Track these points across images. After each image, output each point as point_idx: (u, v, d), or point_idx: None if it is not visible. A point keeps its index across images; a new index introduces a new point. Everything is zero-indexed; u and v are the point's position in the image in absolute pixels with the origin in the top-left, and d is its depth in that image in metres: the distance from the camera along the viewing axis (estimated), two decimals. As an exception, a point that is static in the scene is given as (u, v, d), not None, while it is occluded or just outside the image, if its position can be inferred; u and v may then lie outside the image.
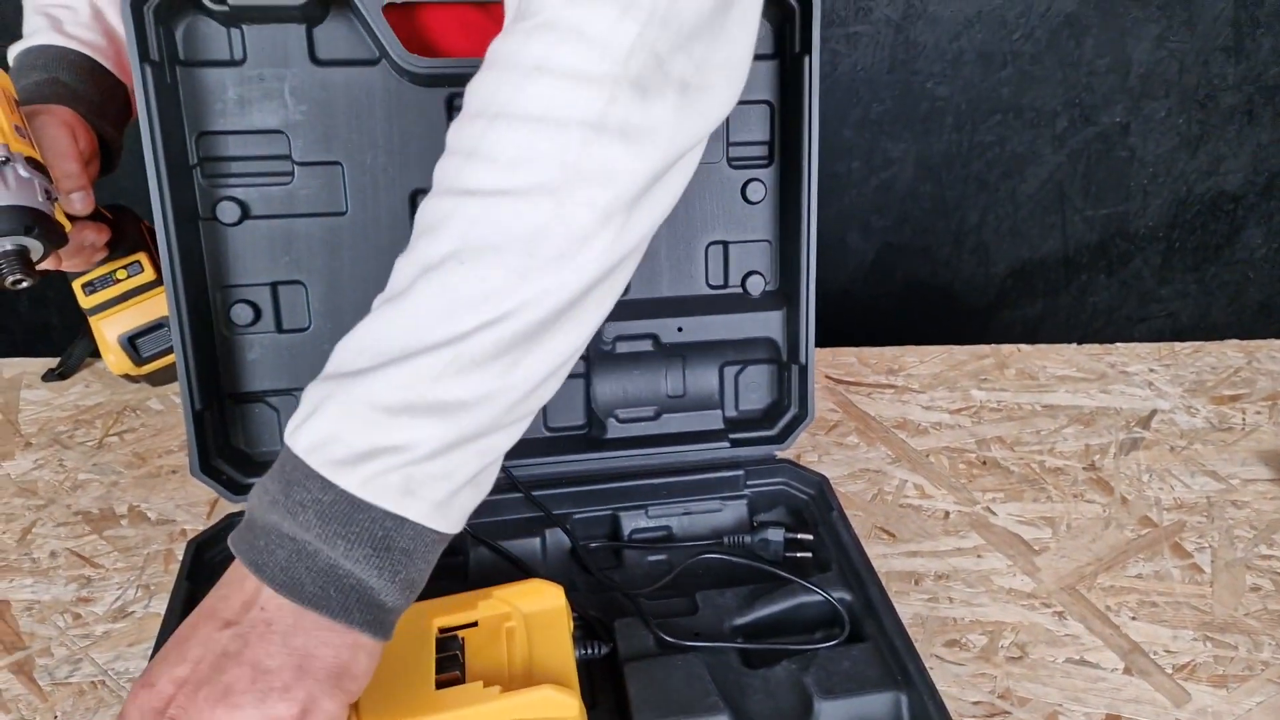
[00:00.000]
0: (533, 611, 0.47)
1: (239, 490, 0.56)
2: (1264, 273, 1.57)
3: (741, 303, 0.62)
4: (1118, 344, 0.86)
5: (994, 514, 0.65)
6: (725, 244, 0.62)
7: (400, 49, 0.52)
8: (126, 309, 0.67)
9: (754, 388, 0.64)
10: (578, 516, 0.58)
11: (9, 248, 0.49)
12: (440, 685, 0.42)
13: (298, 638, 0.34)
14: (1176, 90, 1.35)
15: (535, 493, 0.58)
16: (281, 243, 0.57)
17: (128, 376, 0.72)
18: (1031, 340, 0.87)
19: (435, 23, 0.56)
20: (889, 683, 0.47)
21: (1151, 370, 0.83)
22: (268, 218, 0.56)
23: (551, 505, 0.58)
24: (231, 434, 0.58)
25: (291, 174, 0.56)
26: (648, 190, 0.36)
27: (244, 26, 0.53)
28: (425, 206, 0.36)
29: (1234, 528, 0.64)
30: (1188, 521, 0.65)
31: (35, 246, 0.50)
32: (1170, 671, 0.53)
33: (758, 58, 0.58)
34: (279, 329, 0.58)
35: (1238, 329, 1.62)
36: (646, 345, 0.62)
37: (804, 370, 0.61)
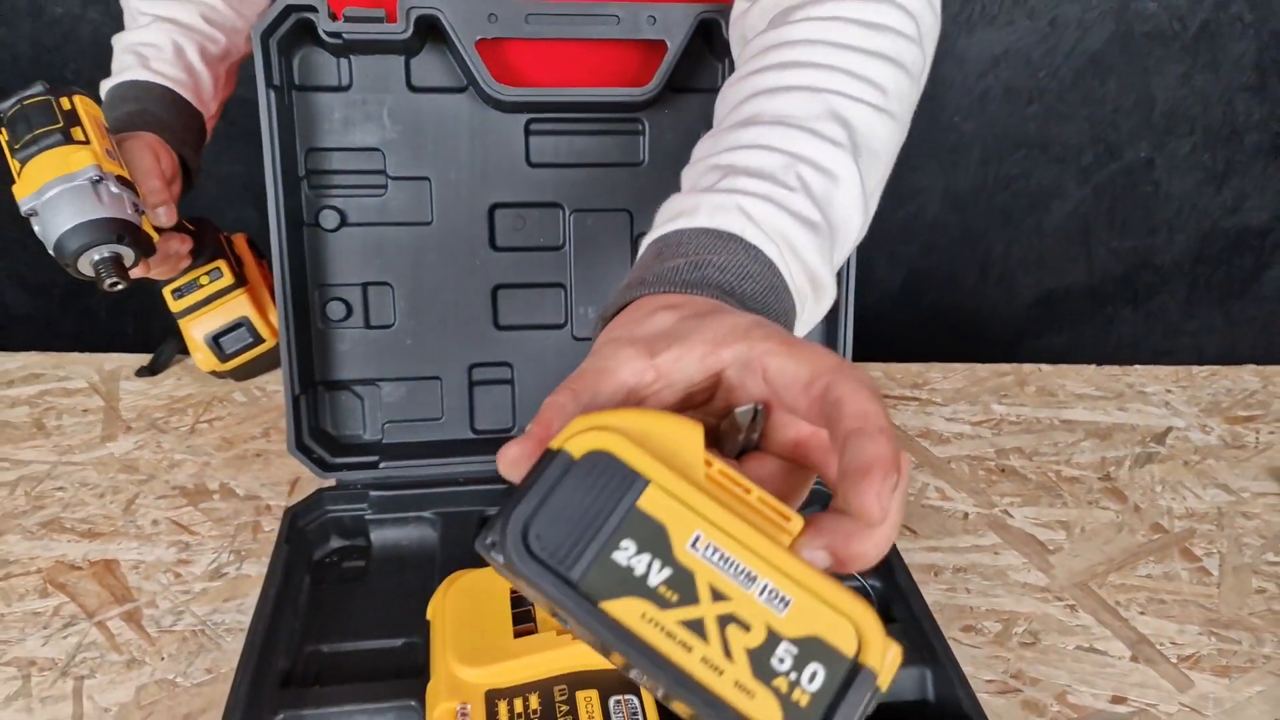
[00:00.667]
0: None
1: (326, 467, 0.62)
2: (1287, 308, 1.61)
3: (783, 313, 0.68)
4: (1136, 366, 0.91)
5: (1011, 516, 0.70)
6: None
7: (489, 78, 0.59)
8: (210, 311, 0.76)
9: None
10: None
11: (105, 255, 0.56)
12: (517, 635, 0.48)
13: None
14: (1201, 128, 1.40)
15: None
16: (373, 248, 0.64)
17: (214, 372, 0.79)
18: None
19: (518, 56, 0.63)
20: (916, 658, 0.52)
21: (1169, 391, 0.88)
22: (363, 225, 0.63)
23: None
24: (321, 418, 0.65)
25: (385, 187, 0.63)
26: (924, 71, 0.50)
27: (351, 57, 0.60)
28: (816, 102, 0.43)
29: (1242, 536, 0.69)
30: (1198, 529, 0.69)
31: (127, 253, 0.57)
32: (1175, 661, 0.58)
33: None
34: (367, 325, 0.65)
35: (1264, 364, 1.65)
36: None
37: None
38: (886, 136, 0.45)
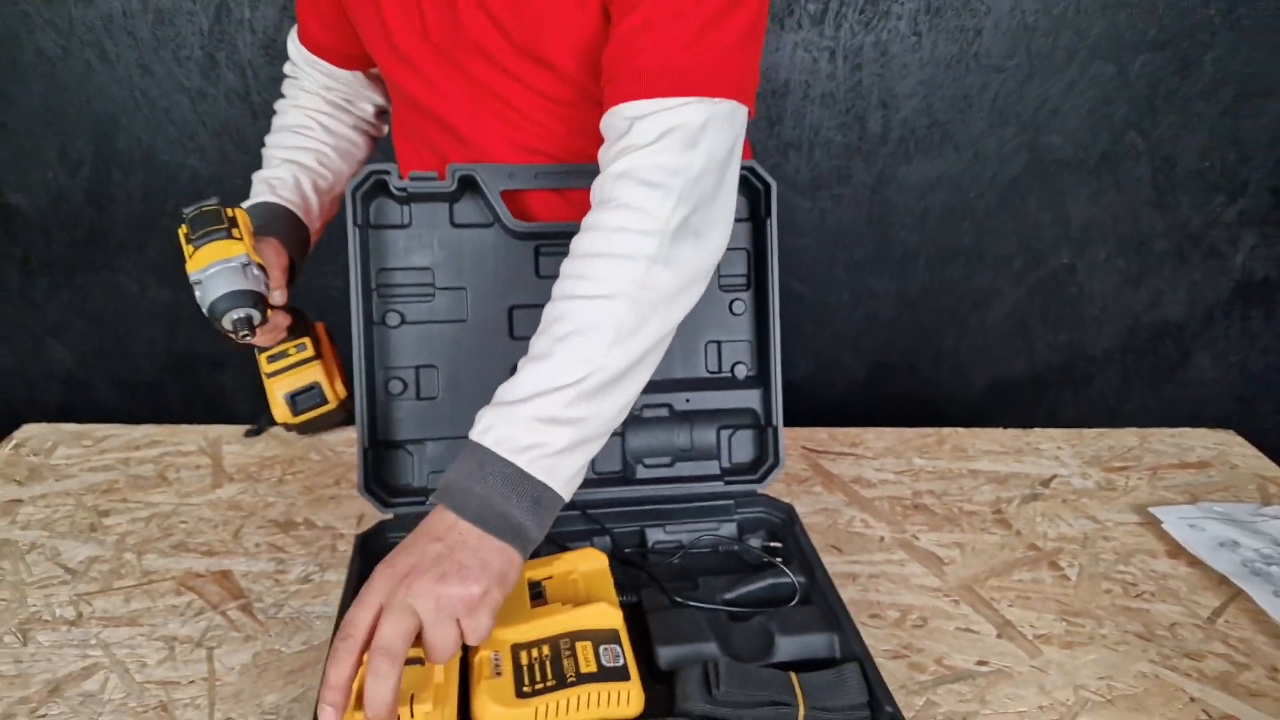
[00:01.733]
0: (587, 569, 0.73)
1: (386, 505, 0.83)
2: (1216, 392, 1.81)
3: (731, 383, 0.90)
4: (1035, 429, 1.11)
5: (918, 539, 0.89)
6: (719, 342, 0.90)
7: (509, 217, 0.83)
8: (291, 375, 0.94)
9: (741, 444, 0.90)
10: (617, 530, 0.84)
11: (241, 315, 0.77)
12: (533, 606, 0.67)
13: (482, 552, 0.59)
14: (1113, 238, 1.64)
15: (590, 511, 0.84)
16: (424, 339, 0.86)
17: (286, 425, 0.96)
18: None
19: (530, 201, 0.87)
20: (826, 627, 0.71)
21: (1059, 448, 1.07)
22: (417, 323, 0.85)
23: (601, 521, 0.84)
24: (382, 468, 0.85)
25: (434, 295, 0.85)
26: (677, 297, 0.66)
27: (412, 204, 0.84)
28: (551, 307, 0.65)
29: (1101, 553, 0.88)
30: (1065, 548, 0.88)
31: (256, 317, 0.79)
32: (1031, 638, 0.76)
33: (739, 220, 0.88)
34: (418, 397, 0.86)
35: (1194, 440, 1.84)
36: (664, 412, 0.89)
37: (775, 431, 0.87)
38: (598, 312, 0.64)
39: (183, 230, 0.79)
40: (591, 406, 0.63)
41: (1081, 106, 1.51)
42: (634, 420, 0.88)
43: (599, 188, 0.68)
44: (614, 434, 0.87)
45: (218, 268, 0.77)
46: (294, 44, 0.99)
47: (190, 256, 0.78)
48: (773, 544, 0.82)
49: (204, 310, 0.78)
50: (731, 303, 0.89)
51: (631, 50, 0.68)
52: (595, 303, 0.63)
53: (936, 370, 1.76)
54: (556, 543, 0.80)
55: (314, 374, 0.94)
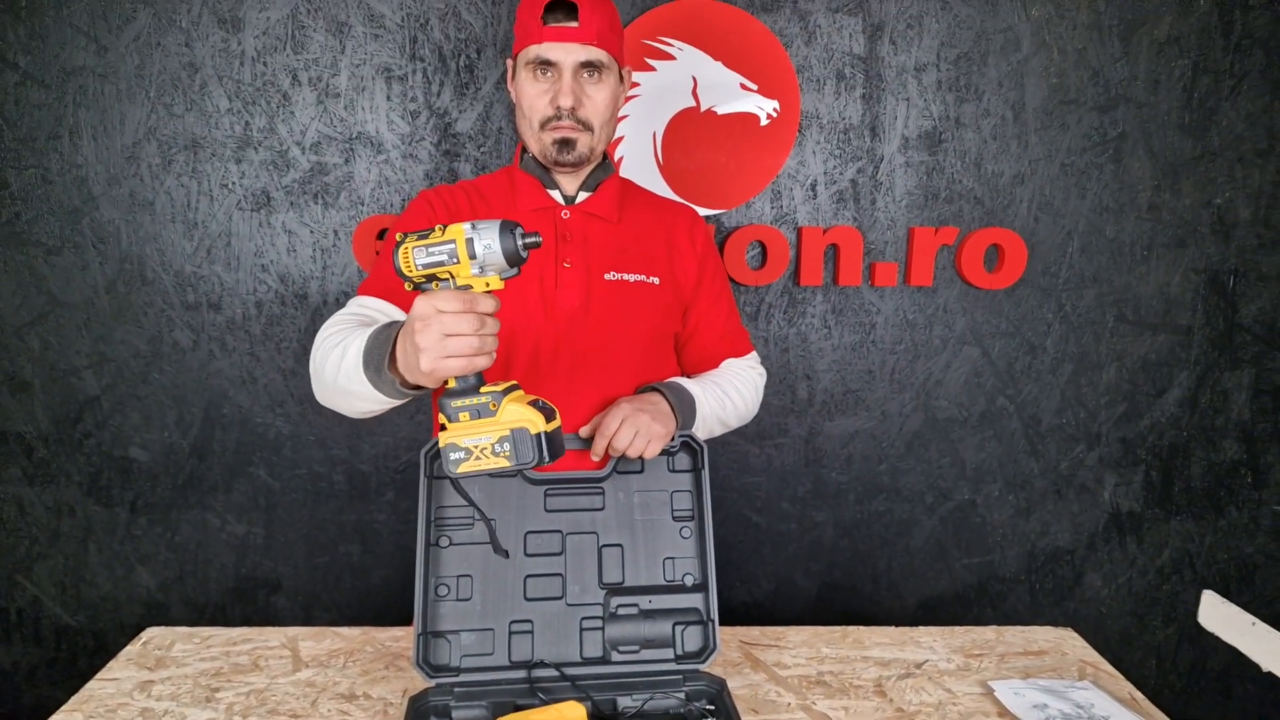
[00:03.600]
0: (570, 715, 1.06)
1: (431, 677, 1.16)
2: (1113, 608, 2.13)
3: (681, 589, 1.26)
4: (920, 627, 1.45)
5: (816, 704, 1.22)
6: (673, 558, 1.27)
7: (530, 471, 1.23)
8: (517, 400, 0.97)
9: (690, 635, 1.24)
10: (597, 697, 1.17)
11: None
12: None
13: (667, 417, 1.25)
14: (1002, 478, 2.04)
15: (577, 683, 1.18)
16: (464, 555, 1.23)
17: (538, 442, 0.95)
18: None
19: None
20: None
21: (934, 640, 1.41)
22: (458, 544, 1.23)
23: (585, 690, 1.17)
24: (429, 651, 1.20)
25: (472, 524, 1.24)
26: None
27: (461, 462, 1.25)
28: (732, 390, 1.41)
29: (948, 714, 1.20)
30: (923, 711, 1.21)
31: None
32: (889, 769, 1.07)
33: (683, 471, 1.29)
34: (457, 599, 1.22)
35: (1109, 656, 2.14)
36: (634, 610, 1.24)
37: (713, 624, 1.22)
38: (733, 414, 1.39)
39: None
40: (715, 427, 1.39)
41: (959, 379, 1.97)
42: (612, 617, 1.23)
43: (741, 369, 1.46)
44: (595, 627, 1.22)
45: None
46: (367, 302, 1.27)
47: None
48: (709, 707, 1.16)
49: (487, 246, 0.90)
50: (681, 529, 1.28)
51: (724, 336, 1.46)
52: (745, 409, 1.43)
53: (875, 589, 2.09)
54: (548, 702, 1.13)
55: (524, 395, 0.98)
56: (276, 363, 1.85)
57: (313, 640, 1.38)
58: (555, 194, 1.34)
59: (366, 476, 1.93)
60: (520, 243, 0.90)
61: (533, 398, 0.97)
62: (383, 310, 1.25)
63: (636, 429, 1.19)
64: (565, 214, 1.33)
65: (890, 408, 1.98)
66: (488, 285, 0.92)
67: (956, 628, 1.45)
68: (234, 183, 1.77)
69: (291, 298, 1.83)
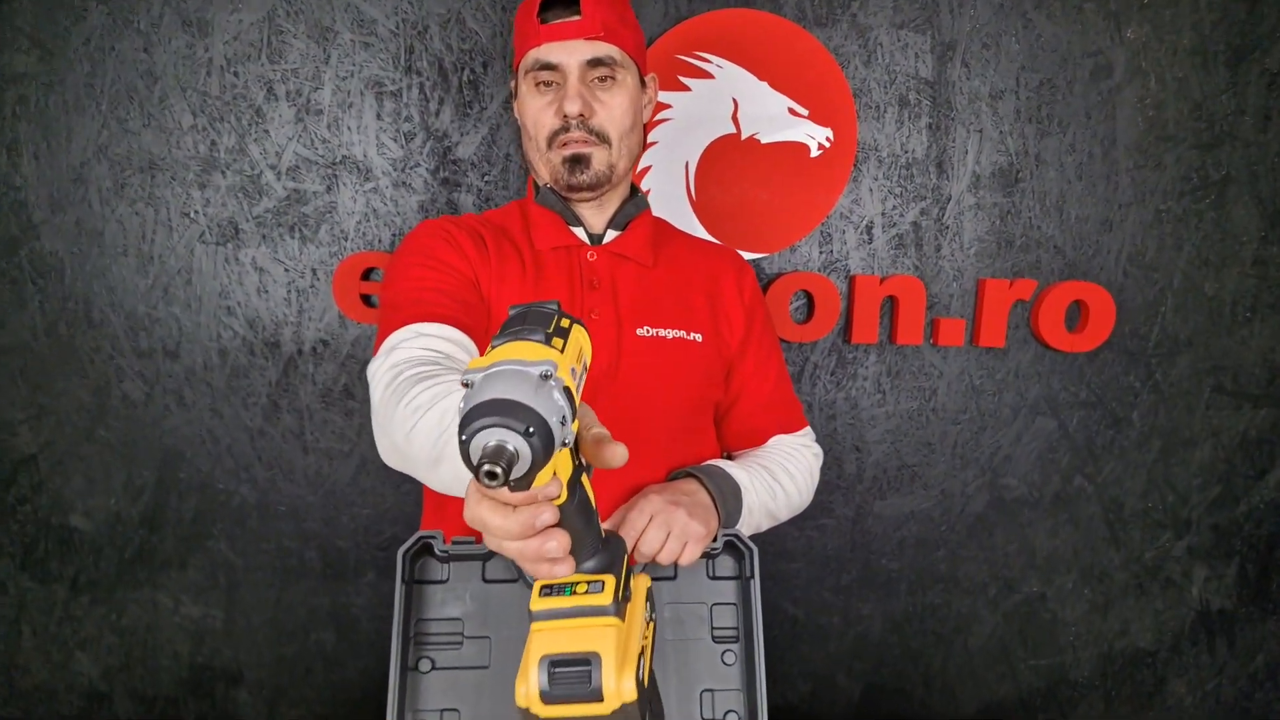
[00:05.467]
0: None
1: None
2: (1197, 718, 1.87)
3: (723, 729, 1.01)
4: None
5: None
6: (712, 691, 1.03)
7: (528, 576, 0.99)
8: (565, 629, 0.59)
9: (733, 790, 1.00)
10: None
11: (499, 443, 0.50)
12: None
13: (708, 511, 1.00)
14: (1076, 568, 1.79)
15: None
16: (450, 683, 0.99)
17: (527, 711, 0.59)
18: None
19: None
20: None
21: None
22: (444, 669, 0.99)
23: None
24: (404, 807, 0.95)
25: (461, 643, 1.00)
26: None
27: (451, 563, 1.01)
28: (781, 476, 1.16)
29: None
30: None
31: (521, 450, 0.50)
32: None
33: (727, 578, 1.05)
34: (441, 738, 0.98)
35: (1187, 770, 1.87)
36: (665, 755, 1.00)
37: (765, 775, 0.98)
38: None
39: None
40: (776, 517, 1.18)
41: (1031, 454, 1.73)
42: (634, 765, 0.99)
43: (793, 448, 1.23)
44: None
45: (504, 367, 0.51)
46: (427, 333, 0.97)
47: (473, 362, 0.54)
48: None
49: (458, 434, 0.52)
50: (723, 653, 1.03)
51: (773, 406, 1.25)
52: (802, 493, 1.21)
53: (927, 692, 1.84)
54: None
55: (599, 639, 0.58)
56: (242, 420, 1.62)
57: None
58: (579, 231, 1.12)
59: (344, 554, 1.69)
60: (476, 451, 0.52)
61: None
62: (457, 341, 0.98)
63: (669, 528, 0.96)
64: (591, 255, 1.11)
65: (951, 486, 1.73)
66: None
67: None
68: (197, 211, 1.55)
69: (261, 345, 1.60)
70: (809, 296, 1.62)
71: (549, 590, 0.61)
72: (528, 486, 0.53)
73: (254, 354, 1.60)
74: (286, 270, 1.57)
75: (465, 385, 0.53)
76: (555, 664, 0.58)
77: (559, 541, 0.58)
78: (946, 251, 1.63)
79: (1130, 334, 1.68)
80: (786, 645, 1.81)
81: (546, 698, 0.58)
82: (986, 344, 1.64)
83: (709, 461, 1.13)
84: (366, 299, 1.57)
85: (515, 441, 0.50)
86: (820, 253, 1.62)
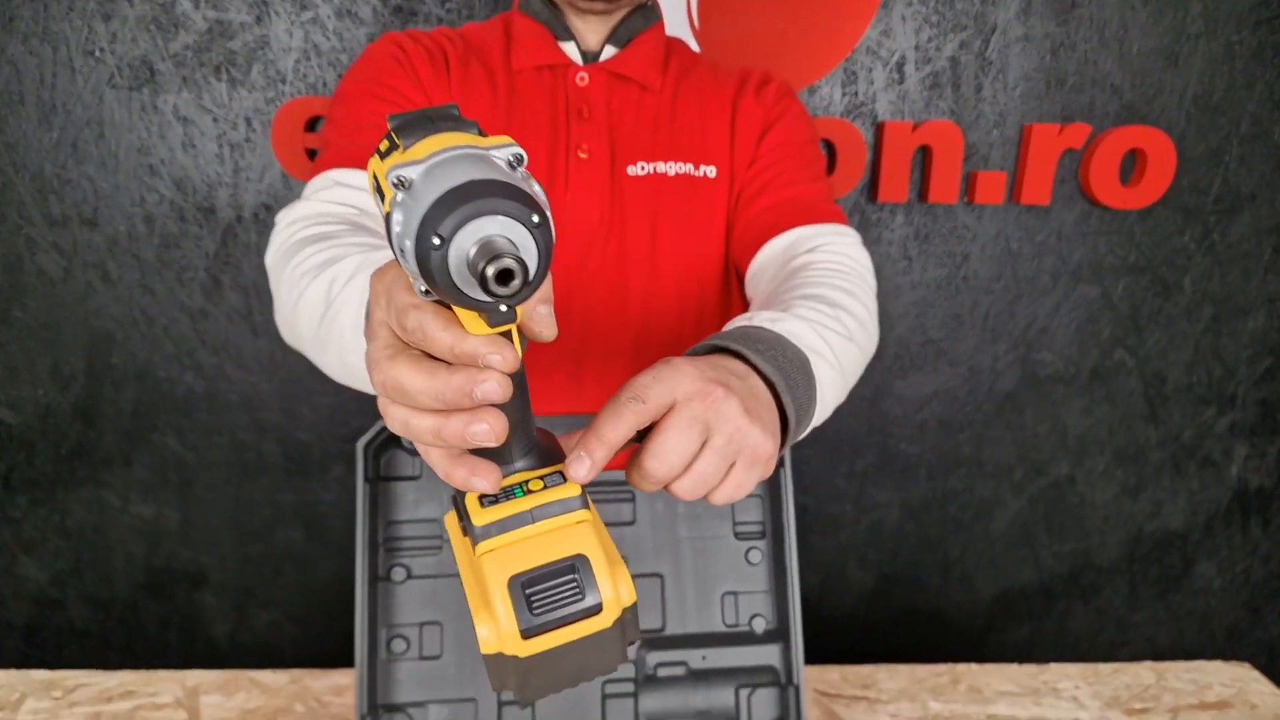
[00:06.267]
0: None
1: (384, 779, 0.79)
2: (1224, 601, 1.80)
3: (749, 638, 0.89)
4: (1051, 664, 1.09)
5: (948, 808, 0.86)
6: (735, 594, 0.90)
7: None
8: (530, 539, 0.45)
9: (761, 704, 0.88)
10: (629, 804, 0.81)
11: (497, 231, 0.36)
12: None
13: (771, 416, 0.54)
14: (1110, 449, 1.68)
15: (598, 784, 0.81)
16: (429, 593, 0.85)
17: (499, 656, 0.45)
18: (1021, 662, 1.11)
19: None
20: None
21: (1077, 687, 1.06)
22: (423, 577, 0.85)
23: (610, 794, 0.81)
24: (380, 736, 0.83)
25: (440, 548, 0.86)
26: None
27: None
28: (850, 321, 0.74)
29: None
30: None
31: (525, 243, 0.37)
32: None
33: (752, 469, 0.90)
34: (420, 657, 0.85)
35: (1211, 652, 1.81)
36: (680, 671, 0.87)
37: (798, 690, 0.86)
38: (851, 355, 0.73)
39: (382, 145, 0.41)
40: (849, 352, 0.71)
41: (1069, 325, 1.58)
42: (649, 680, 0.86)
43: (830, 243, 0.86)
44: (625, 693, 0.85)
45: (456, 152, 0.38)
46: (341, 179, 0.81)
47: (396, 159, 0.39)
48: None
49: (403, 244, 0.38)
50: (748, 551, 0.90)
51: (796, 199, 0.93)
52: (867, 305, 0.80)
53: (944, 580, 1.75)
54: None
55: (578, 539, 0.46)
56: (178, 298, 1.44)
57: (220, 694, 1.02)
58: (569, 47, 0.92)
59: (306, 447, 1.54)
60: (480, 253, 0.36)
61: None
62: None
63: (734, 454, 0.50)
64: (582, 77, 0.91)
65: (980, 362, 1.59)
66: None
67: (1101, 666, 1.10)
68: (103, 49, 1.32)
69: (193, 211, 1.40)
70: (830, 147, 1.43)
71: (492, 499, 0.45)
72: (514, 318, 0.40)
73: (185, 220, 1.40)
74: (215, 120, 1.35)
75: (399, 185, 0.37)
76: (529, 583, 0.44)
77: (492, 425, 0.41)
78: (988, 93, 1.43)
79: (1189, 187, 1.51)
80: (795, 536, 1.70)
81: (528, 631, 0.44)
82: (1028, 201, 1.46)
83: (737, 321, 0.66)
84: (313, 154, 1.36)
85: (518, 234, 0.36)
86: (843, 95, 1.42)
